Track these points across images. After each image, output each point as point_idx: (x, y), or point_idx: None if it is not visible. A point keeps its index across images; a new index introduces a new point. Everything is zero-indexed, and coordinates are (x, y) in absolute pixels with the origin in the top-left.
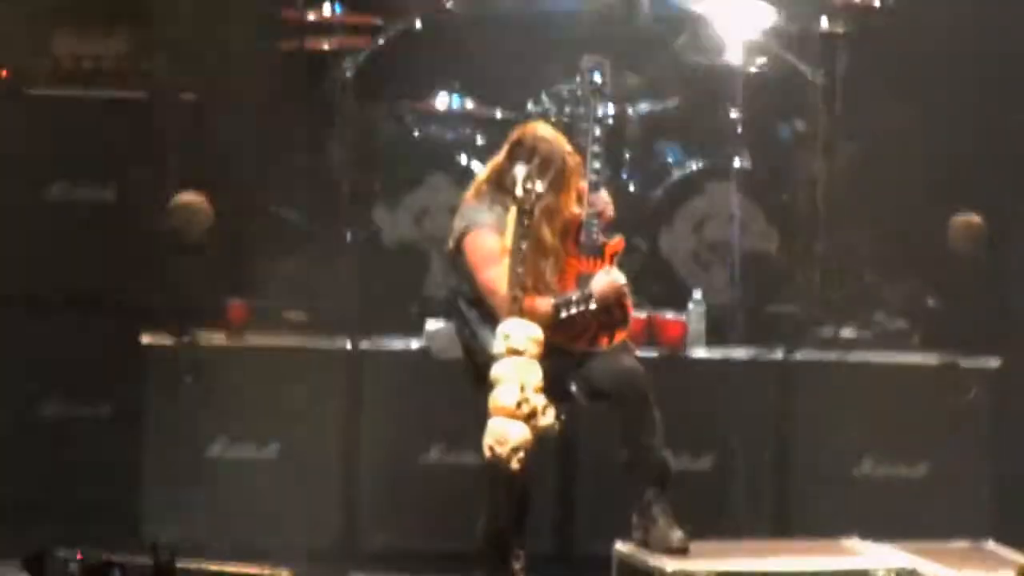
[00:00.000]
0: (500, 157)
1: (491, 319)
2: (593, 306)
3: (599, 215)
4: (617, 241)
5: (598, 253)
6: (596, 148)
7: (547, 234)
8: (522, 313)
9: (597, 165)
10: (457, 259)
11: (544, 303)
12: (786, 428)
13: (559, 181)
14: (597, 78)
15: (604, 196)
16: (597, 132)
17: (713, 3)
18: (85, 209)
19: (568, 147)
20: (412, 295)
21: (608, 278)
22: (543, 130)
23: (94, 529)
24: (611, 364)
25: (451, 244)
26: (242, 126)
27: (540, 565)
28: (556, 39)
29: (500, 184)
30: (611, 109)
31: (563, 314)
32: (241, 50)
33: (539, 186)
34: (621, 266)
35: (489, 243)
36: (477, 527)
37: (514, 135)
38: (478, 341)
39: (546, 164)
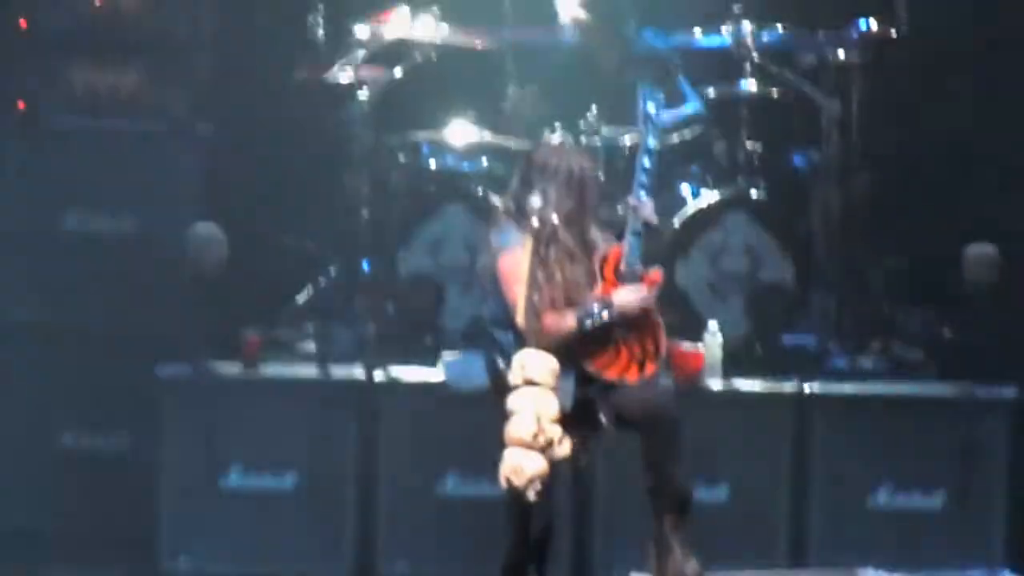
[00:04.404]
0: (513, 183)
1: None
2: (615, 314)
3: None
4: (656, 273)
5: (636, 283)
6: (644, 178)
7: (571, 242)
8: (539, 344)
9: (643, 195)
10: (491, 285)
11: (568, 319)
12: (801, 458)
13: (576, 188)
14: (650, 108)
15: (649, 206)
16: (646, 163)
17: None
18: (102, 240)
19: (580, 154)
20: (427, 326)
21: (633, 294)
22: (550, 145)
23: (111, 559)
24: (642, 394)
25: (485, 273)
26: (258, 157)
27: None
28: (571, 70)
29: (518, 208)
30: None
31: (588, 324)
32: (257, 81)
33: (554, 217)
34: None
35: (516, 261)
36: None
37: (524, 159)
38: (506, 365)
39: (559, 174)
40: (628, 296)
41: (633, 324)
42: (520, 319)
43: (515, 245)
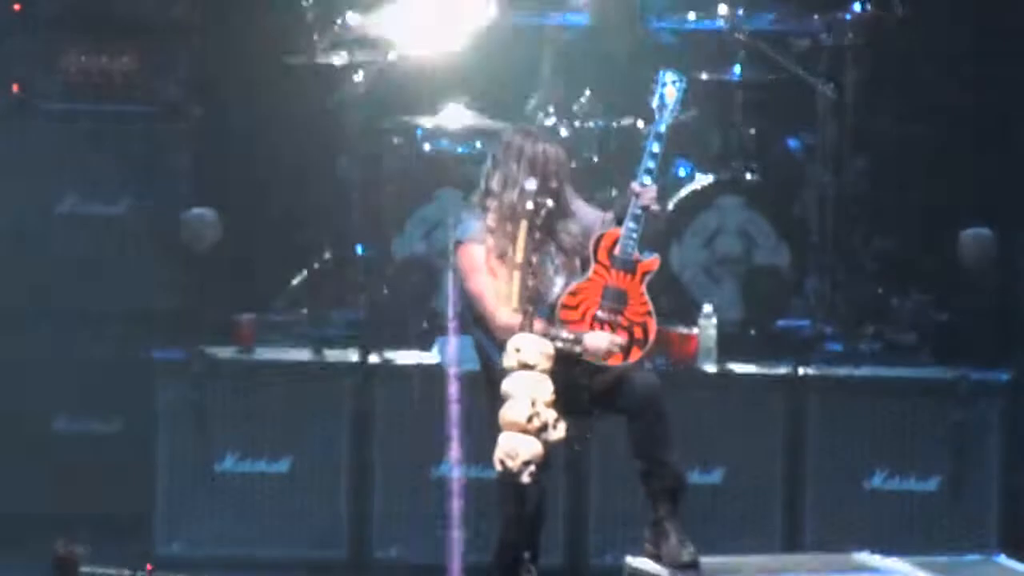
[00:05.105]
0: (486, 166)
1: (492, 333)
2: (579, 352)
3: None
4: (651, 260)
5: (630, 269)
6: (651, 164)
7: (540, 225)
8: (531, 327)
9: (648, 180)
10: (457, 276)
11: (536, 324)
12: (796, 442)
13: (540, 171)
14: (668, 94)
15: (651, 192)
16: (655, 148)
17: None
18: (95, 223)
19: (550, 139)
20: (422, 309)
21: (604, 340)
22: (521, 129)
23: (105, 543)
24: (629, 379)
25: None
26: (252, 140)
27: None
28: (565, 54)
29: (487, 191)
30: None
31: (551, 341)
32: (251, 65)
33: (549, 202)
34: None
35: (471, 253)
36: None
37: (496, 143)
38: (487, 356)
39: (523, 158)
40: (599, 341)
41: (623, 310)
42: (514, 303)
43: (468, 237)
